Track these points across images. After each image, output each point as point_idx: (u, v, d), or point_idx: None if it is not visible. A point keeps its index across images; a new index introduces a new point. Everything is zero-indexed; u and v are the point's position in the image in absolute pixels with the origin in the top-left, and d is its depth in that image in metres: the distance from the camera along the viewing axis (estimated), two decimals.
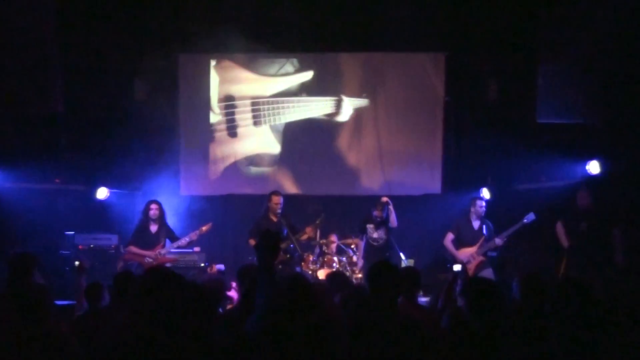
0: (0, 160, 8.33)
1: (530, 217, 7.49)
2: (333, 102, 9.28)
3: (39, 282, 4.44)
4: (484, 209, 7.75)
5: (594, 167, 7.96)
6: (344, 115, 9.29)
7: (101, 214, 8.86)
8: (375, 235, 7.81)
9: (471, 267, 7.58)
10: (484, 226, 7.74)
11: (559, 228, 7.52)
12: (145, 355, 2.39)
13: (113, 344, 2.44)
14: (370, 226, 7.85)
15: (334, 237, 8.35)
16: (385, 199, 7.85)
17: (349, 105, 9.28)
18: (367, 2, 8.80)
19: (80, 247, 8.40)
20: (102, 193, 8.81)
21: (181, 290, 2.57)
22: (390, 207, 7.75)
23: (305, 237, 7.73)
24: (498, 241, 7.55)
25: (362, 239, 7.97)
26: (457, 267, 7.49)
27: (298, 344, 2.65)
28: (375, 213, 7.74)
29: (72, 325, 4.11)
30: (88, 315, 4.42)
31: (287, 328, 2.69)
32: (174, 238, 7.74)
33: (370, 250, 7.85)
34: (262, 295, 2.89)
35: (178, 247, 7.75)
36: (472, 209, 7.79)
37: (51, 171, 8.83)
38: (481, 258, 7.62)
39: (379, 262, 3.66)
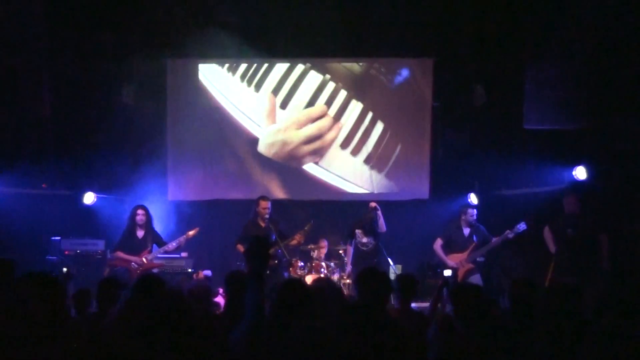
0: None
1: (521, 226, 7.55)
2: (321, 107, 9.26)
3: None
4: (474, 217, 7.82)
5: (580, 173, 8.02)
6: (332, 120, 9.28)
7: (88, 219, 8.80)
8: (364, 240, 7.84)
9: (460, 273, 7.62)
10: (474, 234, 7.78)
11: (546, 233, 7.57)
12: None
13: (98, 350, 2.41)
14: (359, 231, 7.89)
15: (324, 243, 8.35)
16: (373, 204, 7.88)
17: (337, 111, 9.27)
18: (355, 8, 8.81)
19: (66, 252, 8.34)
20: (88, 198, 8.76)
21: (167, 297, 2.54)
22: (379, 212, 7.79)
23: (294, 243, 7.73)
24: (495, 240, 7.64)
25: (350, 244, 7.98)
26: (447, 273, 7.53)
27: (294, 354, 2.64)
28: (364, 218, 7.80)
29: (59, 332, 4.07)
30: (75, 322, 4.38)
31: (283, 336, 2.68)
32: (161, 243, 7.71)
33: (358, 256, 7.87)
34: (252, 303, 2.86)
35: (165, 252, 7.71)
36: (463, 217, 7.84)
37: (38, 176, 8.74)
38: (470, 265, 7.67)
39: (368, 268, 3.67)
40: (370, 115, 9.29)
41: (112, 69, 8.80)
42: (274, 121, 9.28)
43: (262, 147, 9.30)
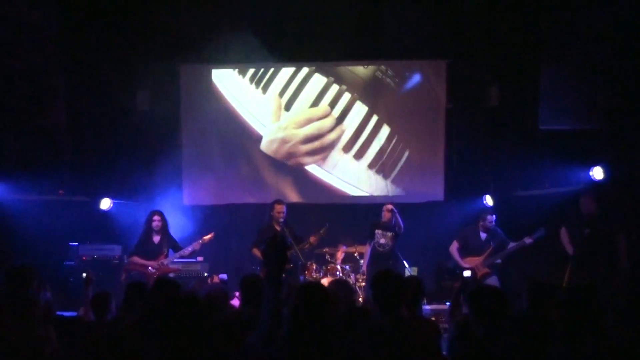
0: (4, 172, 8.34)
1: (540, 232, 7.50)
2: (324, 107, 9.26)
3: (39, 296, 4.43)
4: (493, 224, 7.77)
5: (597, 173, 7.94)
6: (346, 124, 9.27)
7: (104, 225, 8.86)
8: (382, 240, 7.83)
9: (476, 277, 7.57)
10: (492, 239, 7.73)
11: (563, 234, 7.49)
12: None
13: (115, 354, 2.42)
14: (378, 231, 7.89)
15: (342, 248, 8.35)
16: (390, 206, 7.87)
17: (340, 113, 9.26)
18: (368, 10, 8.81)
19: (84, 257, 8.42)
20: (105, 204, 8.82)
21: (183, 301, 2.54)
22: (396, 213, 7.81)
23: (308, 246, 7.73)
24: (511, 246, 7.56)
25: (369, 244, 7.97)
26: (467, 273, 7.49)
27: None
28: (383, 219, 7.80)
29: (78, 336, 4.10)
30: (94, 326, 4.41)
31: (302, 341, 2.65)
32: (177, 248, 7.75)
33: (375, 257, 7.90)
34: (269, 307, 2.82)
35: (181, 257, 7.75)
36: (481, 223, 7.80)
37: (54, 182, 8.83)
38: (486, 269, 7.61)
39: (383, 271, 3.65)
40: (384, 117, 9.27)
41: (126, 75, 8.87)
42: (277, 120, 9.31)
43: (263, 145, 9.31)
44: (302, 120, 9.28)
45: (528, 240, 7.54)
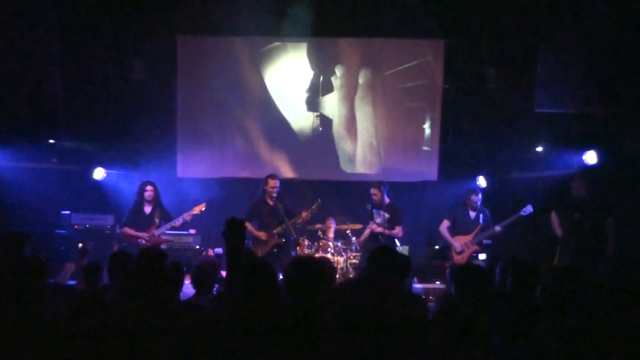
0: None
1: (527, 209, 7.55)
2: (330, 86, 9.25)
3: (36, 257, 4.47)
4: (479, 203, 7.82)
5: (590, 157, 7.97)
6: (343, 100, 9.26)
7: (97, 194, 8.87)
8: (379, 220, 7.86)
9: (465, 255, 7.65)
10: (481, 215, 7.78)
11: (553, 217, 7.55)
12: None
13: (102, 321, 2.46)
14: (375, 211, 7.96)
15: (331, 222, 8.38)
16: (373, 189, 7.93)
17: (344, 91, 9.25)
18: None
19: (76, 226, 8.46)
20: (98, 173, 8.82)
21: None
22: (384, 191, 7.86)
23: (300, 221, 7.76)
24: (497, 229, 7.62)
25: (371, 223, 8.02)
26: (482, 257, 7.57)
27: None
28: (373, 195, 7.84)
29: (70, 305, 4.14)
30: (86, 294, 4.45)
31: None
32: (168, 219, 7.75)
33: (369, 235, 7.94)
34: (232, 282, 2.96)
35: (172, 229, 7.76)
36: (467, 202, 7.85)
37: (48, 151, 8.83)
38: (475, 247, 7.68)
39: (379, 247, 3.71)
40: (380, 95, 9.25)
41: (123, 45, 8.81)
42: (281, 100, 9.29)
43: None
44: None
45: (523, 212, 7.55)
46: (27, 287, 3.34)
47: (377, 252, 3.94)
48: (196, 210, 7.73)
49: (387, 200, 7.91)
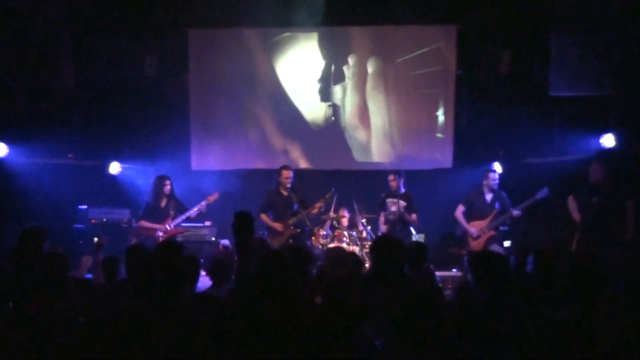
0: (14, 136, 8.39)
1: (544, 192, 7.40)
2: (342, 76, 9.21)
3: (55, 251, 4.52)
4: (496, 181, 7.70)
5: (608, 141, 7.87)
6: (355, 89, 9.22)
7: (113, 189, 8.94)
8: (393, 208, 7.85)
9: (481, 241, 7.57)
10: (497, 200, 7.69)
11: (571, 202, 7.46)
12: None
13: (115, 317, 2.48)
14: (389, 200, 7.94)
15: (344, 212, 8.37)
16: (391, 175, 7.91)
17: (357, 79, 9.20)
18: None
19: (93, 221, 8.52)
20: (114, 168, 8.88)
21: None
22: (401, 179, 7.83)
23: (315, 211, 7.75)
24: (516, 212, 7.49)
25: (383, 215, 8.03)
26: (507, 244, 7.49)
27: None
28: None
29: (89, 298, 4.18)
30: (104, 288, 4.49)
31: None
32: (183, 210, 7.75)
33: (387, 224, 7.94)
34: (241, 274, 2.96)
35: (188, 220, 7.78)
36: (485, 182, 7.74)
37: (64, 146, 8.90)
38: (492, 232, 7.59)
39: (381, 237, 3.71)
40: (393, 82, 9.20)
41: (135, 40, 8.83)
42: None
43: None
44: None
45: (540, 194, 7.42)
46: (48, 282, 3.38)
47: (377, 242, 3.95)
48: (210, 199, 7.73)
49: (402, 189, 7.88)
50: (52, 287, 3.39)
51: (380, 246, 3.66)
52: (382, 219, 8.13)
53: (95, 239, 5.51)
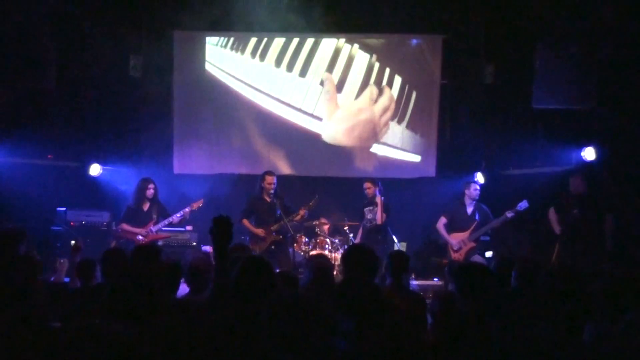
0: None
1: (523, 204, 7.43)
2: (328, 82, 9.20)
3: (29, 255, 4.43)
4: (477, 192, 7.73)
5: (589, 154, 7.95)
6: (339, 96, 9.21)
7: (93, 191, 8.82)
8: (369, 216, 7.85)
9: (462, 252, 7.58)
10: (477, 212, 7.72)
11: (552, 214, 7.52)
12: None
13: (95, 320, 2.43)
14: (366, 209, 7.93)
15: (323, 220, 8.37)
16: (367, 183, 7.92)
17: (345, 87, 9.20)
18: None
19: (72, 223, 8.41)
20: (95, 169, 8.77)
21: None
22: (377, 187, 7.82)
23: (298, 218, 7.72)
24: (509, 214, 7.39)
25: (361, 225, 8.01)
26: (488, 254, 7.49)
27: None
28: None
29: (64, 302, 4.10)
30: (79, 292, 4.41)
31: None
32: (166, 215, 7.70)
33: (365, 233, 7.93)
34: (219, 280, 2.91)
35: (170, 225, 7.71)
36: (467, 192, 7.77)
37: (44, 147, 8.77)
38: (472, 244, 7.61)
39: (353, 246, 3.69)
40: (372, 92, 9.19)
41: (119, 41, 8.74)
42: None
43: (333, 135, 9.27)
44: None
45: (509, 213, 7.36)
46: (20, 286, 3.30)
47: (349, 252, 3.95)
48: (194, 206, 7.68)
49: (379, 196, 7.83)
50: (21, 291, 3.31)
51: (351, 255, 3.65)
52: (360, 231, 8.09)
53: (72, 242, 5.41)
